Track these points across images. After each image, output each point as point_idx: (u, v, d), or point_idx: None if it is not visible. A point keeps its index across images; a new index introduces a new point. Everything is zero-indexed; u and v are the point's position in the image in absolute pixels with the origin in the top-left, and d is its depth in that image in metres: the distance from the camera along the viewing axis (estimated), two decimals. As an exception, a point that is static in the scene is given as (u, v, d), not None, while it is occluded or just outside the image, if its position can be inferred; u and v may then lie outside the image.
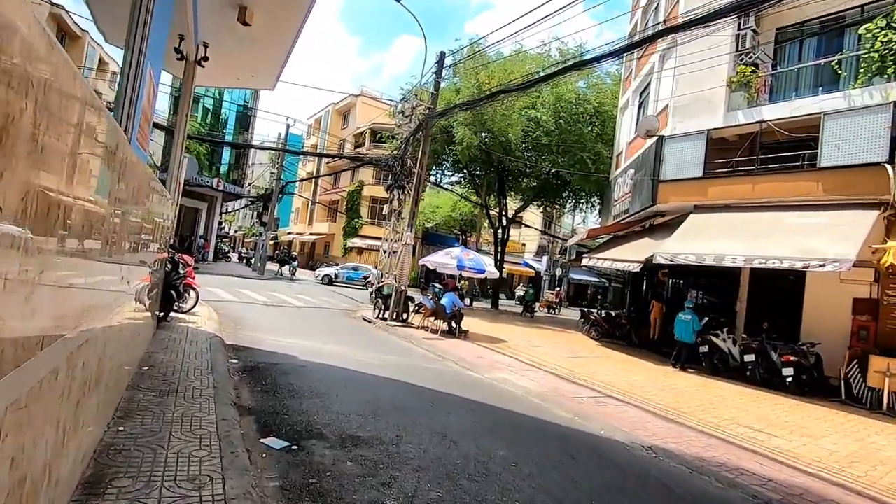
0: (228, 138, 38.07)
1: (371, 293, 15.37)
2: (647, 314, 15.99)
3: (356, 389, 5.82)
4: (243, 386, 5.39)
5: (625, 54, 18.39)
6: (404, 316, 12.95)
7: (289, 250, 44.30)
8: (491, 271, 11.99)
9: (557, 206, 27.41)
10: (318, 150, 47.12)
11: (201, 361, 5.86)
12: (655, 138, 13.47)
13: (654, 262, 11.48)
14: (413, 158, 13.92)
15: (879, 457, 5.76)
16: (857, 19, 11.71)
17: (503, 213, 23.73)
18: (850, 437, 6.56)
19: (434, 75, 12.99)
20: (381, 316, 13.09)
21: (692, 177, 12.40)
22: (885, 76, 10.07)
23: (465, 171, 23.72)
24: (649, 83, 16.29)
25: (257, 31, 6.39)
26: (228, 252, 40.58)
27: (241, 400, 4.87)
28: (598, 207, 23.62)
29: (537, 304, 25.84)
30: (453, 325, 11.74)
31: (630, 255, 12.80)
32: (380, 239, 38.03)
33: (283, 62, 7.28)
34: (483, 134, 19.26)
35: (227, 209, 53.12)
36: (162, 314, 7.57)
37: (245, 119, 35.30)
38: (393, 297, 12.59)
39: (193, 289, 9.40)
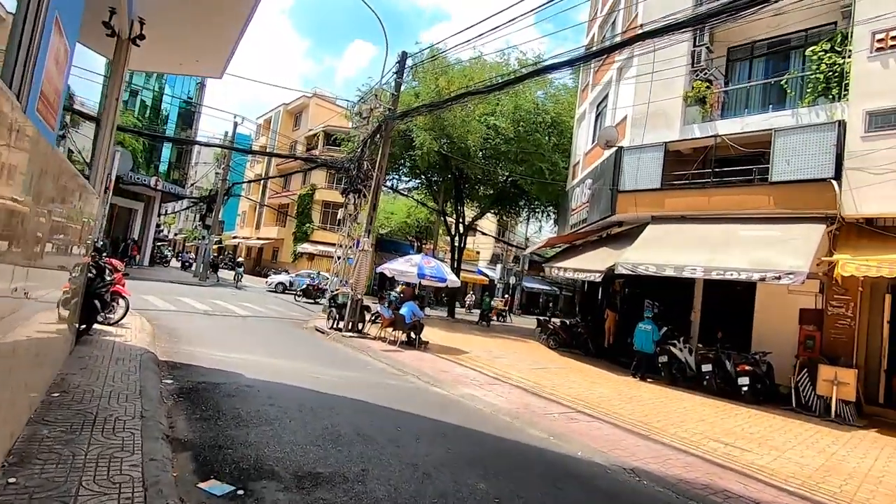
0: (169, 135, 35.78)
1: (327, 301, 14.55)
2: (602, 323, 16.12)
3: (312, 413, 5.18)
4: (179, 413, 4.63)
5: (582, 64, 18.70)
6: (360, 326, 12.28)
7: (234, 255, 42.08)
8: (452, 280, 11.58)
9: (513, 215, 27.47)
10: (267, 151, 45.29)
11: (128, 384, 5.02)
12: (614, 149, 13.60)
13: (615, 272, 11.46)
14: (371, 161, 13.33)
15: (846, 470, 5.77)
16: (802, 43, 12.34)
17: (461, 220, 23.46)
18: (812, 449, 6.58)
19: (395, 76, 12.50)
20: (335, 326, 12.35)
21: (650, 188, 12.56)
22: (830, 97, 10.57)
23: (422, 176, 23.30)
24: (607, 95, 16.55)
25: (205, 7, 5.67)
26: (168, 257, 37.94)
27: (175, 431, 4.14)
28: (553, 217, 23.87)
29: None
30: (412, 335, 11.20)
31: (591, 265, 12.79)
32: (333, 245, 37.08)
33: (233, 46, 6.56)
34: (442, 140, 18.92)
35: (166, 210, 49.99)
36: (83, 327, 6.58)
37: (188, 116, 33.20)
38: (348, 307, 11.89)
39: (122, 297, 8.36)
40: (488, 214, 26.84)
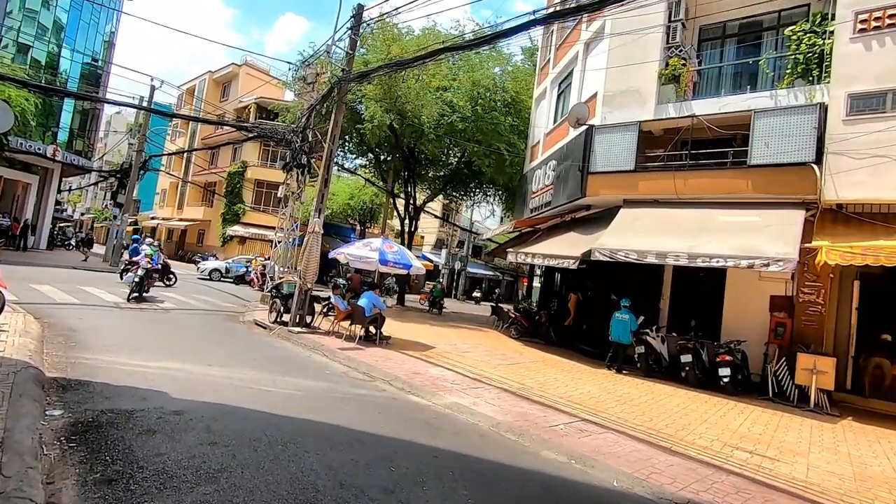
0: (70, 102, 31.13)
1: (268, 291, 12.72)
2: (564, 310, 15.58)
3: (271, 454, 3.77)
4: (68, 472, 3.07)
5: (543, 30, 17.84)
6: (309, 320, 10.70)
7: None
8: (417, 266, 10.28)
9: (465, 198, 26.44)
10: (191, 126, 41.01)
11: (-15, 425, 3.36)
12: (584, 128, 12.80)
13: (592, 258, 10.70)
14: (321, 131, 11.61)
15: (877, 476, 5.25)
16: (774, 24, 12.10)
17: (412, 202, 22.05)
18: (827, 451, 6.09)
19: (349, 31, 10.81)
20: (279, 320, 10.68)
21: (623, 169, 11.91)
22: (809, 78, 10.30)
23: (370, 154, 21.57)
24: (571, 72, 15.75)
25: None
26: (71, 239, 33.33)
27: (57, 510, 2.62)
28: (504, 200, 23.07)
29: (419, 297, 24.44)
30: (373, 330, 9.83)
31: (563, 250, 11.98)
32: (267, 227, 34.28)
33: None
34: (393, 114, 17.34)
35: (70, 187, 44.23)
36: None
37: (94, 77, 28.91)
38: (296, 298, 10.26)
39: (-5, 291, 6.32)
40: (437, 198, 25.61)
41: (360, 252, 9.71)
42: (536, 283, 35.01)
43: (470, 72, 19.23)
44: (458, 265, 42.19)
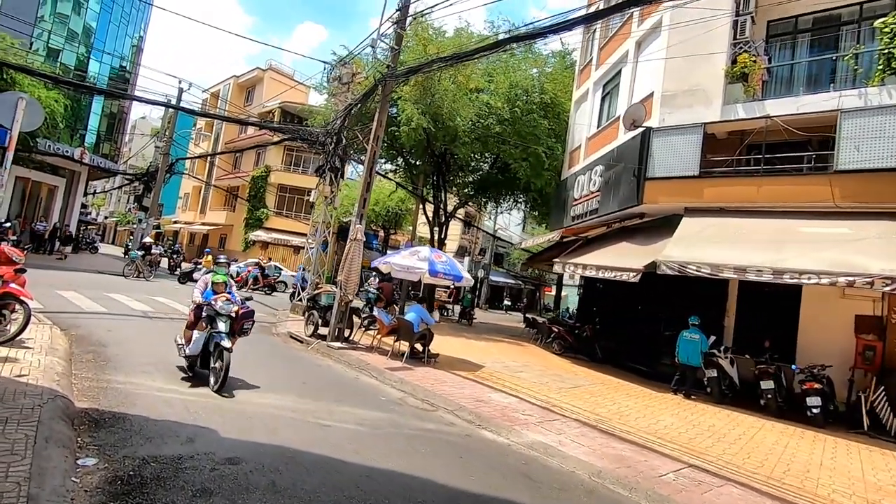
0: (98, 105, 31.17)
1: (304, 301, 12.00)
2: (612, 326, 14.65)
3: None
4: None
5: (582, 30, 17.03)
6: (347, 333, 9.93)
7: (174, 242, 37.73)
8: (467, 277, 9.47)
9: (496, 205, 25.53)
10: (216, 130, 41.00)
11: (5, 478, 2.61)
12: (640, 130, 11.90)
13: (658, 271, 9.76)
14: (361, 132, 10.91)
15: None
16: (855, 18, 11.10)
17: (442, 208, 21.28)
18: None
19: (394, 26, 10.11)
20: (316, 333, 9.93)
21: (686, 175, 10.98)
22: (905, 75, 9.28)
23: (400, 158, 20.87)
24: (619, 72, 14.88)
25: None
26: (96, 242, 33.26)
27: None
28: (541, 207, 22.12)
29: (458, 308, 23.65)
30: (418, 347, 9.02)
31: (621, 263, 11.06)
32: (290, 233, 33.83)
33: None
34: (429, 116, 16.61)
35: (94, 190, 44.50)
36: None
37: (122, 80, 28.88)
38: (335, 310, 9.50)
39: (21, 302, 5.65)
40: (466, 204, 24.79)
41: (408, 262, 8.91)
42: (566, 294, 34.05)
43: (507, 73, 18.45)
44: (480, 273, 41.28)
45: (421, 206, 22.13)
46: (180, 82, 21.24)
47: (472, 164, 22.35)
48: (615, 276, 10.91)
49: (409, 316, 8.74)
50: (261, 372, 6.88)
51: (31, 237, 20.37)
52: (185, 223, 42.86)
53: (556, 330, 14.53)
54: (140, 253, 18.44)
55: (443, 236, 21.68)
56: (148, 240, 19.98)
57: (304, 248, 32.55)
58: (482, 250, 45.97)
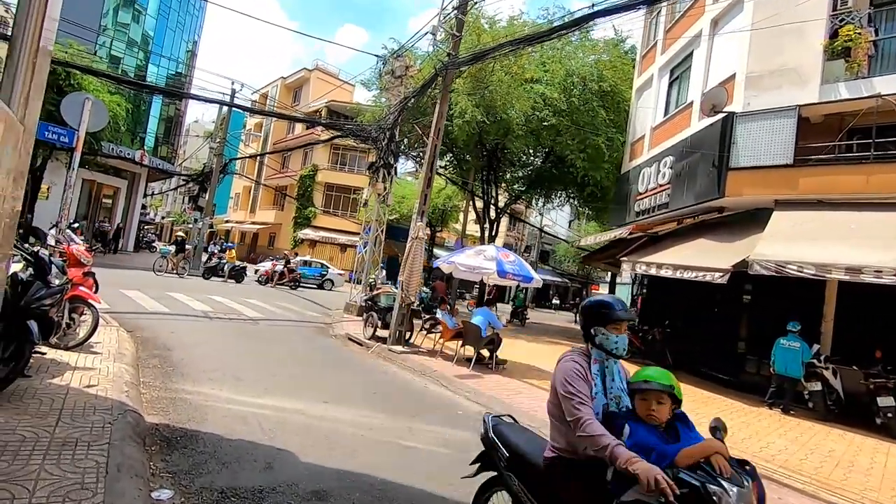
0: (156, 109, 32.33)
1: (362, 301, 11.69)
2: (684, 329, 13.60)
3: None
4: None
5: (644, 13, 15.95)
6: (408, 335, 9.47)
7: (225, 240, 38.82)
8: (537, 278, 8.82)
9: (548, 200, 24.59)
10: (265, 130, 41.90)
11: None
12: (721, 116, 10.84)
13: (751, 271, 8.76)
14: (420, 126, 10.41)
15: None
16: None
17: (493, 203, 20.60)
18: None
19: (455, 11, 9.54)
20: (375, 335, 9.54)
21: (778, 164, 9.88)
22: None
23: (451, 153, 20.34)
24: (689, 55, 13.76)
25: None
26: (154, 242, 34.64)
27: None
28: (599, 203, 21.03)
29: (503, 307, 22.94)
30: (485, 353, 8.44)
31: (700, 261, 10.08)
32: (335, 231, 34.07)
33: None
34: (482, 108, 15.97)
35: (152, 191, 46.44)
36: (9, 368, 3.69)
37: (178, 85, 29.80)
38: (395, 312, 9.06)
39: (89, 305, 5.47)
40: (518, 200, 23.98)
41: (473, 262, 8.34)
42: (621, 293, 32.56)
43: (562, 61, 17.56)
44: (527, 271, 40.27)
45: (470, 203, 21.55)
46: (233, 83, 21.56)
47: (524, 158, 21.58)
48: (696, 277, 9.93)
49: (476, 319, 8.17)
50: (327, 379, 6.50)
51: (96, 237, 21.22)
52: (237, 222, 44.10)
53: (622, 333, 13.58)
54: (172, 248, 18.20)
55: (493, 233, 21.02)
56: (181, 234, 19.71)
57: (351, 246, 32.95)
58: (528, 247, 44.97)
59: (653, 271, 11.25)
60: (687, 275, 10.13)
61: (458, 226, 34.41)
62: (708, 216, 12.03)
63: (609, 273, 42.72)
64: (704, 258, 10.34)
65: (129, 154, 21.74)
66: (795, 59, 10.20)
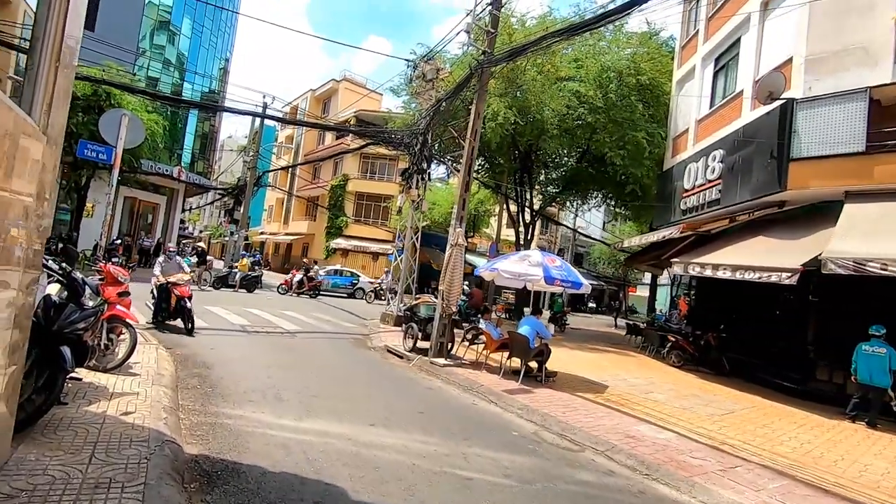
0: (192, 126, 33.26)
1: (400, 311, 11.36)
2: (740, 333, 12.71)
3: None
4: None
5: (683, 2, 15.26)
6: (449, 347, 9.05)
7: (260, 252, 39.46)
8: (587, 284, 8.27)
9: (584, 201, 23.80)
10: (295, 142, 42.56)
11: None
12: (778, 104, 10.04)
13: (824, 270, 7.97)
14: (456, 129, 10.04)
15: None
16: None
17: (528, 206, 20.03)
18: None
19: (489, 7, 9.15)
20: (415, 347, 9.17)
21: (848, 152, 9.03)
22: None
23: (484, 156, 19.90)
24: (737, 41, 12.96)
25: None
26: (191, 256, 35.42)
27: None
28: (639, 201, 20.15)
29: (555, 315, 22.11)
30: (532, 365, 7.93)
31: (764, 260, 9.30)
32: (367, 239, 34.12)
33: None
34: (515, 109, 15.50)
35: (189, 206, 47.77)
36: (43, 398, 3.45)
37: (212, 101, 30.51)
38: (436, 323, 8.67)
39: (127, 325, 5.28)
40: (554, 202, 23.30)
41: (518, 268, 7.87)
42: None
43: (596, 57, 16.93)
44: (561, 274, 39.30)
45: (504, 207, 21.04)
46: (264, 97, 21.83)
47: (558, 158, 20.94)
48: (760, 278, 9.14)
49: (523, 330, 7.68)
50: (370, 397, 6.14)
51: (138, 252, 21.76)
52: (270, 234, 44.83)
53: (672, 339, 12.80)
54: (194, 260, 17.55)
55: (528, 237, 20.45)
56: (201, 245, 19.74)
57: (383, 254, 32.89)
58: (560, 250, 43.96)
59: (708, 273, 10.46)
60: (748, 276, 9.34)
61: (489, 230, 33.93)
62: (766, 212, 11.19)
63: (649, 274, 41.34)
64: (767, 257, 9.55)
65: (167, 170, 22.23)
66: (863, 37, 9.36)
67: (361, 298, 22.98)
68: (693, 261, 10.98)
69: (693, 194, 13.49)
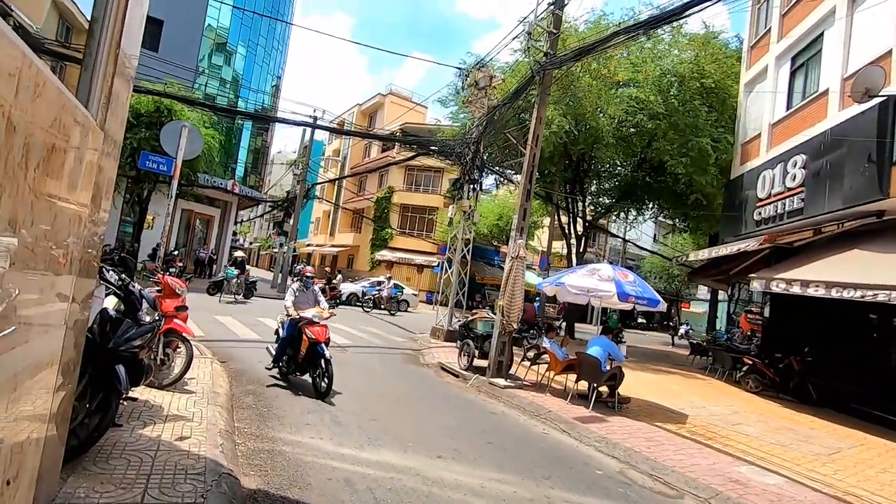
0: (245, 140, 34.35)
1: (456, 329, 10.90)
2: (826, 357, 11.43)
3: None
4: None
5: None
6: (509, 365, 8.46)
7: (307, 263, 40.13)
8: (662, 302, 7.53)
9: (640, 212, 22.67)
10: (342, 155, 43.36)
11: None
12: (877, 101, 8.99)
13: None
14: (517, 135, 9.57)
15: None
16: None
17: (581, 216, 19.21)
18: None
19: (550, 7, 8.67)
20: (472, 365, 8.64)
21: (966, 153, 7.91)
22: None
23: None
24: (818, 37, 11.90)
25: None
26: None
27: None
28: (701, 211, 18.94)
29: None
30: (603, 389, 7.23)
31: (869, 277, 8.22)
32: (411, 251, 34.01)
33: None
34: (570, 117, 14.88)
35: (241, 219, 49.43)
36: (97, 421, 3.18)
37: (265, 118, 31.51)
38: (495, 341, 8.12)
39: (184, 340, 5.06)
40: (608, 213, 22.31)
41: (587, 283, 7.23)
42: (705, 311, 29.42)
43: (656, 60, 16.10)
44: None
45: (556, 218, 20.30)
46: (314, 110, 22.22)
47: (611, 168, 20.05)
48: (864, 297, 8.07)
49: (594, 350, 7.01)
50: (432, 423, 5.65)
51: (194, 263, 22.44)
52: (317, 245, 45.64)
53: (749, 361, 11.66)
54: (235, 271, 15.81)
55: (581, 249, 19.58)
56: (240, 254, 17.21)
57: (427, 266, 32.63)
58: (610, 262, 42.39)
59: (796, 290, 9.40)
60: (849, 294, 8.28)
61: (534, 243, 33.06)
62: (860, 222, 10.02)
63: (704, 289, 39.05)
64: (867, 273, 8.47)
65: (221, 184, 22.89)
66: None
67: (405, 311, 22.73)
68: (777, 276, 9.94)
69: (769, 203, 12.43)
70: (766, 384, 11.27)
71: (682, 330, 25.42)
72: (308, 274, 6.98)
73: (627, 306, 7.57)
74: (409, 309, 23.37)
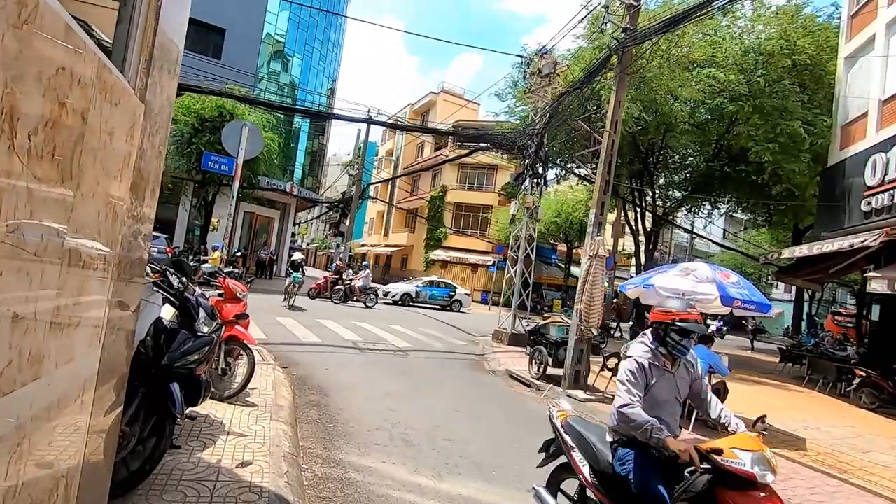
0: (302, 143, 35.13)
1: (526, 334, 10.20)
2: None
3: None
4: None
5: None
6: (586, 375, 7.66)
7: (363, 263, 40.52)
8: (772, 306, 6.50)
9: (713, 207, 20.95)
10: (395, 155, 43.52)
11: None
12: None
13: None
14: (590, 122, 8.73)
15: None
16: None
17: (652, 211, 17.89)
18: None
19: (629, -22, 7.78)
20: (544, 374, 7.92)
21: None
22: None
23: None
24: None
25: None
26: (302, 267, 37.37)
27: None
28: (790, 202, 17.07)
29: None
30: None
31: None
32: (465, 251, 33.46)
33: None
34: (640, 103, 13.73)
35: (298, 221, 50.84)
36: (151, 448, 2.79)
37: (319, 124, 32.06)
38: (571, 348, 7.36)
39: (245, 348, 4.71)
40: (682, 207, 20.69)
41: (681, 284, 6.32)
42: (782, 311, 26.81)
43: (737, 38, 14.62)
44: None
45: (623, 214, 19.06)
46: (369, 110, 22.13)
47: (682, 158, 18.56)
48: None
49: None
50: (512, 442, 5.01)
51: (256, 264, 22.99)
52: (371, 246, 46.09)
53: (862, 373, 10.16)
54: (301, 277, 14.99)
55: (651, 246, 18.23)
56: (298, 256, 16.41)
57: (482, 265, 31.96)
58: (674, 260, 39.94)
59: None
60: None
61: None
62: None
63: (782, 288, 35.89)
64: None
65: (281, 186, 23.31)
66: None
67: (459, 311, 22.23)
68: (903, 275, 8.51)
69: (883, 191, 10.87)
70: (883, 399, 9.76)
71: (713, 326, 22.59)
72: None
73: (733, 311, 6.56)
74: (462, 309, 22.84)
